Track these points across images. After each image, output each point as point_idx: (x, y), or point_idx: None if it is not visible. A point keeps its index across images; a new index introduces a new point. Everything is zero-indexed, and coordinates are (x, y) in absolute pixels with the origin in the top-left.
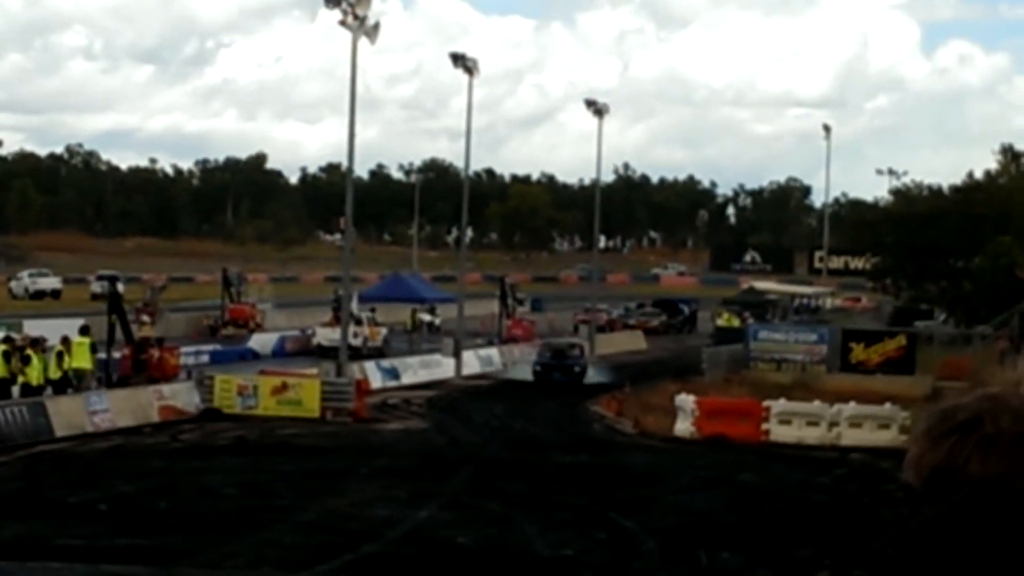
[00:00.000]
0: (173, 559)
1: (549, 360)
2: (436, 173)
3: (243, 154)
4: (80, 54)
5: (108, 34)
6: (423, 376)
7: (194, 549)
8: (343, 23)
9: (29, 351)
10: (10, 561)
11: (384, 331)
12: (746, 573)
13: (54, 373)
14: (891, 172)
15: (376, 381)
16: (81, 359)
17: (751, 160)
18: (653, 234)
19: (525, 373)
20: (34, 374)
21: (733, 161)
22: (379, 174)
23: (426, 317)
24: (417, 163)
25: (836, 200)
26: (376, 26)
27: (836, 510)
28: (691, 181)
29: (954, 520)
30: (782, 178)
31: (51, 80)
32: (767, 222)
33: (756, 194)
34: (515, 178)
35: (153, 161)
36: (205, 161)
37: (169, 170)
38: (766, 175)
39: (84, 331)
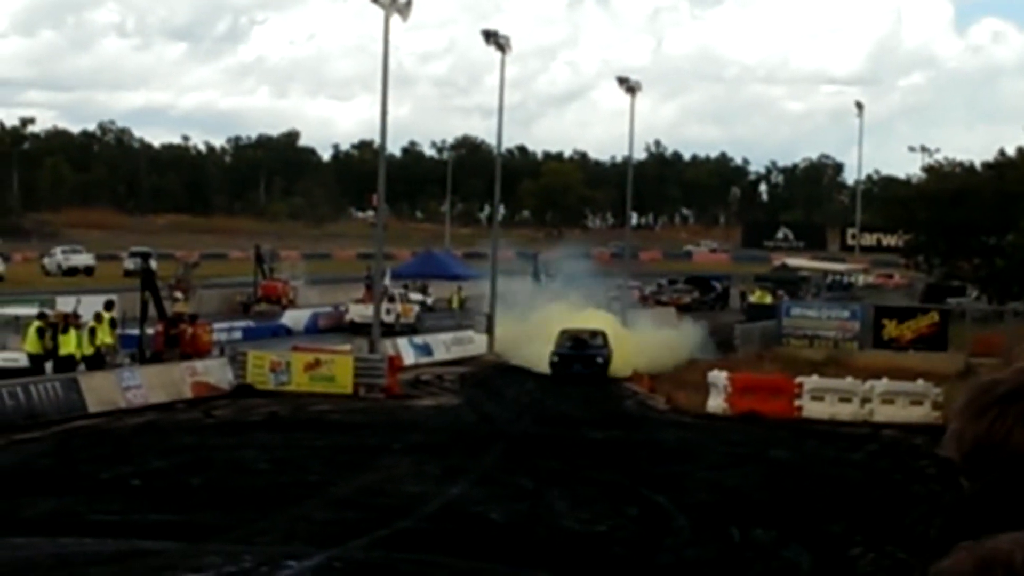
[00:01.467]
0: (205, 535)
1: (568, 350)
2: (468, 150)
3: (276, 131)
4: (113, 31)
5: (141, 11)
6: (456, 352)
7: (226, 525)
8: (375, 0)
9: (64, 324)
10: (43, 536)
11: (416, 308)
12: (778, 549)
13: (87, 349)
14: (923, 149)
15: (409, 357)
16: (105, 335)
17: (783, 137)
18: (685, 211)
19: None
20: (72, 343)
21: (765, 138)
22: (411, 151)
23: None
24: (449, 140)
25: (868, 177)
26: (408, 3)
27: (869, 486)
28: (723, 158)
29: (995, 494)
30: (814, 155)
31: (84, 57)
32: (799, 199)
33: (788, 171)
34: (547, 155)
35: (186, 138)
36: (237, 138)
37: (202, 147)
38: (798, 152)
39: (108, 307)
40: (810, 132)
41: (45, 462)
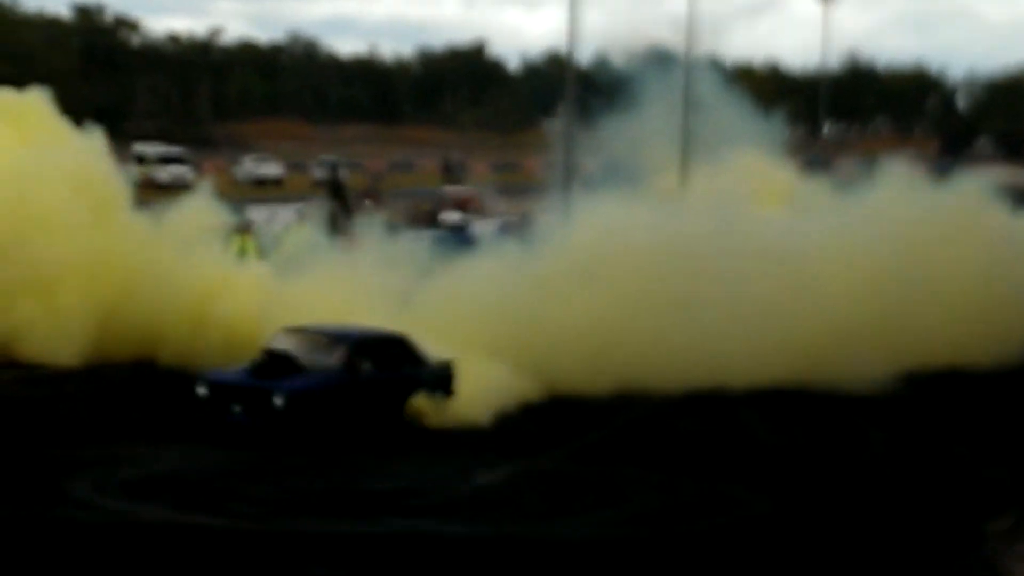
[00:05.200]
0: (394, 446)
1: (236, 376)
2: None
3: (464, 41)
4: None
5: None
6: None
7: (417, 435)
8: None
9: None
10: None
11: None
12: (980, 468)
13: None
14: None
15: None
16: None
17: (984, 46)
18: (880, 121)
19: None
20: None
21: (965, 47)
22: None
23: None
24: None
25: None
26: None
27: None
28: (920, 67)
29: None
30: (1017, 64)
31: None
32: (999, 109)
33: (989, 80)
34: (737, 65)
35: (374, 48)
36: (426, 48)
37: (390, 57)
38: (1000, 60)
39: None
40: (1013, 40)
41: None
